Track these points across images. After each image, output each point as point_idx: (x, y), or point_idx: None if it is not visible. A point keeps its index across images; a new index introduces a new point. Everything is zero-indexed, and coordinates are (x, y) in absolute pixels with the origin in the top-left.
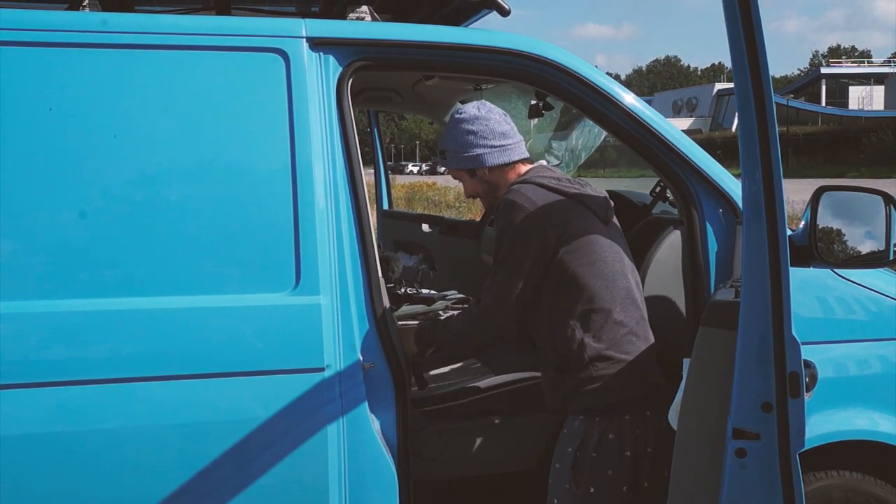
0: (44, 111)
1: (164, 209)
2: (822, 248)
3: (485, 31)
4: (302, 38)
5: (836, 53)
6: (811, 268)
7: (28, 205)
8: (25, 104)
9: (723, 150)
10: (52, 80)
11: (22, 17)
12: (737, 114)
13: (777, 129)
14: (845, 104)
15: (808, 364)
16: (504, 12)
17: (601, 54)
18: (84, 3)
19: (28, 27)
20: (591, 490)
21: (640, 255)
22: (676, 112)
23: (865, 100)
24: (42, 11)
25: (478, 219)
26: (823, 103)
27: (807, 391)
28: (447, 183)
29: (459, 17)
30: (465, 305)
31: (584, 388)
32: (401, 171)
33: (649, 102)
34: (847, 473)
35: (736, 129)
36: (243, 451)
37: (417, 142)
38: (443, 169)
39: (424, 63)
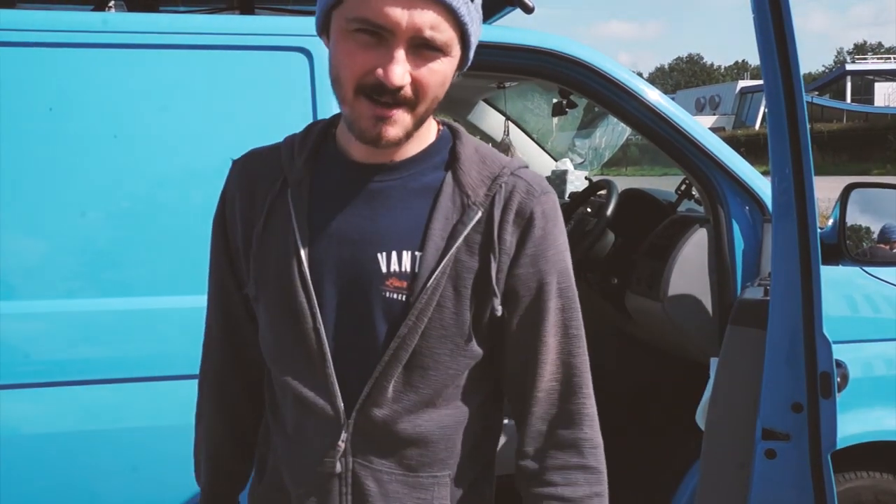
0: (46, 111)
1: (185, 209)
2: (852, 246)
3: (509, 29)
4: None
5: (861, 50)
6: (840, 266)
7: (29, 205)
8: (40, 105)
9: (746, 148)
10: (76, 80)
11: (52, 18)
12: (766, 110)
13: (808, 125)
14: (871, 101)
15: (839, 364)
16: (528, 10)
17: (625, 52)
18: (110, 4)
19: (56, 28)
20: None
21: (666, 254)
22: (699, 110)
23: (891, 96)
24: (69, 12)
25: None
26: (849, 100)
27: (837, 391)
28: None
29: (483, 15)
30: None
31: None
32: None
33: (672, 100)
34: (877, 475)
35: (759, 126)
36: None
37: None
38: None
39: None
